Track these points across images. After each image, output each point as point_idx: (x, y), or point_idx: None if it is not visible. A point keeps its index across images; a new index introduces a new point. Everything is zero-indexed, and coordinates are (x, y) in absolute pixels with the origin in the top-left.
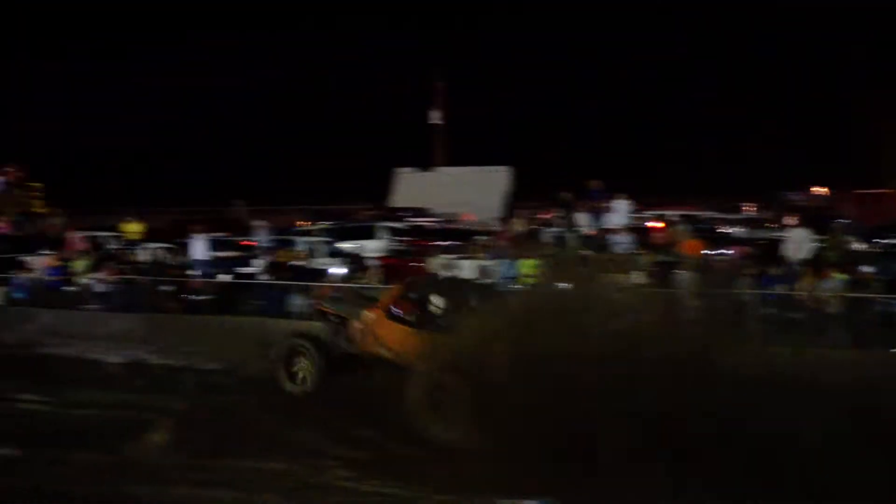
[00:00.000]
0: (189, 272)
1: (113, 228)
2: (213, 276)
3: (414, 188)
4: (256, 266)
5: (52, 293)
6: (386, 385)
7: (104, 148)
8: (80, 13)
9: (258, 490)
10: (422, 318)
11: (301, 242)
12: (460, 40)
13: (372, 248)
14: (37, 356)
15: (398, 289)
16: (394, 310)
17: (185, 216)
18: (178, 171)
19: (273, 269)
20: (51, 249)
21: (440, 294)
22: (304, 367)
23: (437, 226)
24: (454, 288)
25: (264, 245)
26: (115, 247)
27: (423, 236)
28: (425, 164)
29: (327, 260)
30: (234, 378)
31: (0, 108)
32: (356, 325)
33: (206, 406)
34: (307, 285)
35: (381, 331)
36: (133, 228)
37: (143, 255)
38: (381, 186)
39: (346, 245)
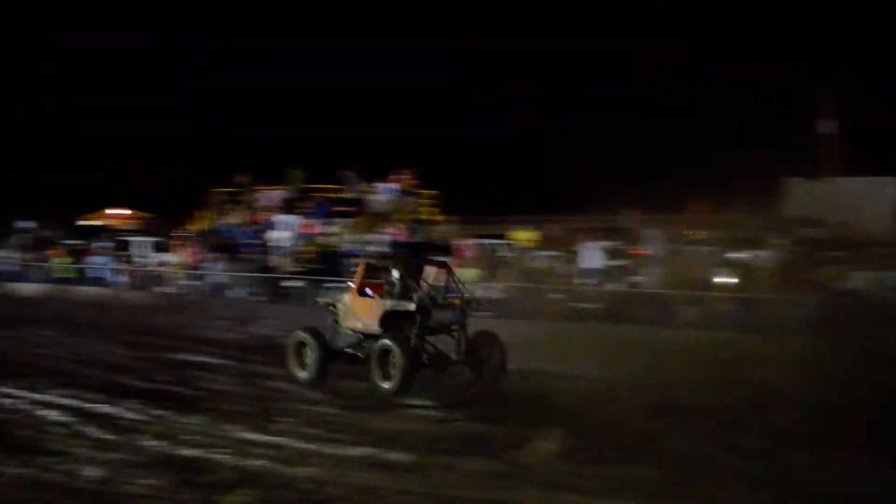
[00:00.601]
0: (580, 280)
1: (504, 236)
2: (603, 284)
3: (805, 198)
4: (647, 275)
5: None
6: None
7: (494, 156)
8: None
9: (648, 499)
10: (385, 292)
11: (688, 252)
12: (851, 48)
13: (763, 257)
14: None
15: (362, 270)
16: (366, 290)
17: (578, 224)
18: (565, 178)
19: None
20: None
21: (396, 268)
22: (308, 356)
23: (830, 236)
24: (411, 263)
25: (657, 254)
26: (506, 255)
27: (816, 246)
28: (813, 173)
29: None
30: (622, 387)
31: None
32: (340, 307)
33: (595, 414)
34: (699, 295)
35: (355, 307)
36: (524, 236)
37: (535, 263)
38: (768, 195)
39: (736, 255)
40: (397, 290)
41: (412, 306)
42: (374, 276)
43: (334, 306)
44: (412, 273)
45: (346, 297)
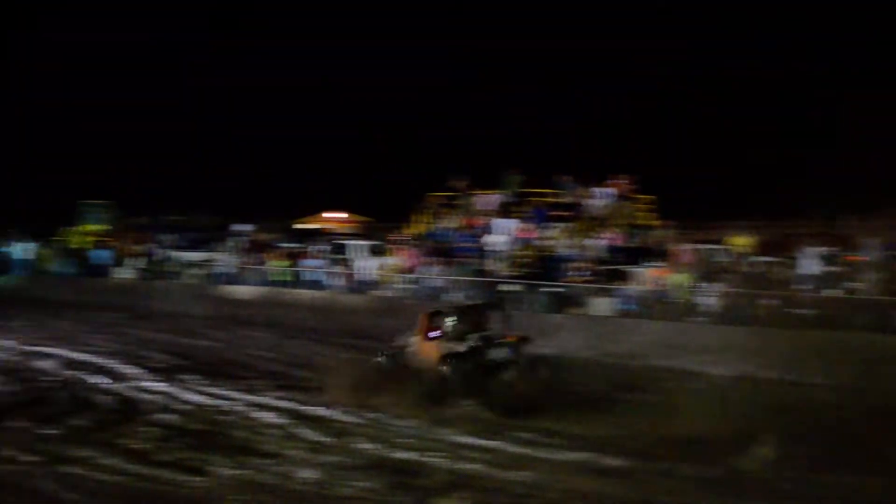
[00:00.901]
0: (797, 286)
1: (721, 241)
2: (819, 290)
3: None
4: (864, 281)
5: (661, 304)
6: None
7: (708, 161)
8: None
9: None
10: (444, 335)
11: None
12: None
13: None
14: (645, 367)
15: (424, 318)
16: (429, 333)
17: (794, 230)
18: (783, 183)
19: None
20: (659, 261)
21: (452, 315)
22: None
23: None
24: (467, 309)
25: (874, 260)
26: (723, 260)
27: None
28: None
29: None
30: (840, 393)
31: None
32: (409, 350)
33: (813, 421)
34: None
35: (420, 349)
36: (741, 242)
37: (752, 268)
38: None
39: None
40: (454, 334)
41: (463, 347)
42: (436, 322)
43: (403, 348)
44: (467, 318)
45: (414, 342)
